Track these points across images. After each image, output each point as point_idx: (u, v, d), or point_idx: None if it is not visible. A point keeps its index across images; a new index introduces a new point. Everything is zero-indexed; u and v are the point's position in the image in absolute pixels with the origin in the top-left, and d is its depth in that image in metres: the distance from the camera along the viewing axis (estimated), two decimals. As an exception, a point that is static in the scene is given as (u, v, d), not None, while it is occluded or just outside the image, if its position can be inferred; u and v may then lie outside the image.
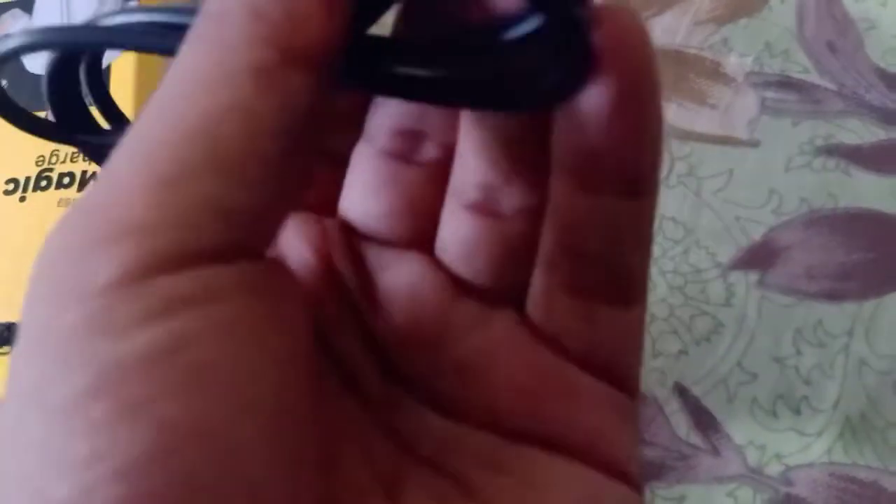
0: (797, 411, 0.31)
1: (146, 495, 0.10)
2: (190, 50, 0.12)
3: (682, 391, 0.32)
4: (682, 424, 0.31)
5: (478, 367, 0.15)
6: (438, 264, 0.16)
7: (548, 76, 0.12)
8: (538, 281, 0.15)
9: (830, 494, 0.30)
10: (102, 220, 0.11)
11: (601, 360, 0.15)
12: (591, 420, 0.15)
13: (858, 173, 0.33)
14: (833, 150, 0.34)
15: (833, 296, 0.32)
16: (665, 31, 0.36)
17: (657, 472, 0.31)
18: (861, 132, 0.34)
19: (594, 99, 0.12)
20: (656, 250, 0.33)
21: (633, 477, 0.15)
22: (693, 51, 0.36)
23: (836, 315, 0.32)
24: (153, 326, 0.11)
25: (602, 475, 0.14)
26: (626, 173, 0.14)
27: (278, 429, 0.11)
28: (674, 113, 0.35)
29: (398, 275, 0.15)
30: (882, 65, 0.35)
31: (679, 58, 0.36)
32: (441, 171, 0.15)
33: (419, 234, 0.16)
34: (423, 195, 0.15)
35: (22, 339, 0.11)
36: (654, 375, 0.32)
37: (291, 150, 0.12)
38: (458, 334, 0.15)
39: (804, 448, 0.31)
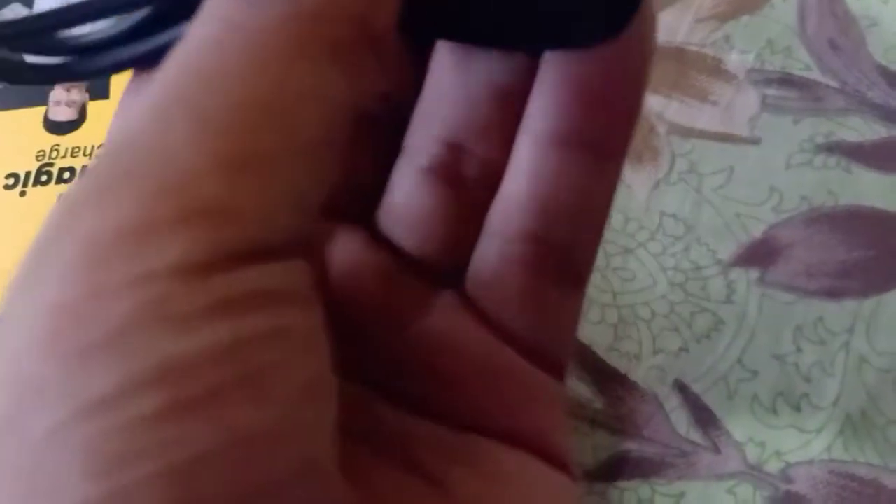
0: (797, 408, 0.31)
1: (194, 499, 0.09)
2: (252, 17, 0.10)
3: (682, 388, 0.32)
4: (682, 421, 0.31)
5: (422, 355, 0.14)
6: (377, 239, 0.14)
7: (608, 12, 0.12)
8: (488, 257, 0.14)
9: (830, 492, 0.30)
10: (164, 196, 0.10)
11: (543, 345, 0.14)
12: (535, 411, 0.14)
13: (859, 171, 0.33)
14: (834, 148, 0.34)
15: (833, 293, 0.32)
16: (666, 28, 0.36)
17: (657, 469, 0.31)
18: (862, 130, 0.34)
19: (611, 46, 0.12)
20: (657, 247, 0.33)
21: (571, 468, 0.15)
22: (694, 48, 0.36)
23: (837, 312, 0.32)
24: (218, 323, 0.10)
25: (548, 466, 0.14)
26: (605, 130, 0.13)
27: (330, 437, 0.11)
28: (675, 110, 0.35)
29: (338, 252, 0.14)
30: (884, 62, 0.35)
31: (680, 55, 0.36)
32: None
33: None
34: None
35: (16, 315, 0.10)
36: (654, 372, 0.32)
37: (357, 138, 0.11)
38: (399, 320, 0.14)
39: (804, 445, 0.31)
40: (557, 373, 0.15)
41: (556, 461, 0.14)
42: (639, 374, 0.32)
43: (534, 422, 0.14)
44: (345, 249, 0.14)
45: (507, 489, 0.13)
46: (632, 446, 0.31)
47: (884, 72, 0.34)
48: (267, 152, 0.10)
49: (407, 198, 0.14)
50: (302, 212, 0.10)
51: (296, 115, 0.10)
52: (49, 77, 0.16)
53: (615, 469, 0.31)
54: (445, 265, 0.14)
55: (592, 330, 0.33)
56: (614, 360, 0.32)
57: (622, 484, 0.31)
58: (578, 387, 0.32)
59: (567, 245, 0.14)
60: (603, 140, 0.14)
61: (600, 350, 0.32)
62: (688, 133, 0.34)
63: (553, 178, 0.14)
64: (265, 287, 0.10)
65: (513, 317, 0.14)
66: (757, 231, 0.33)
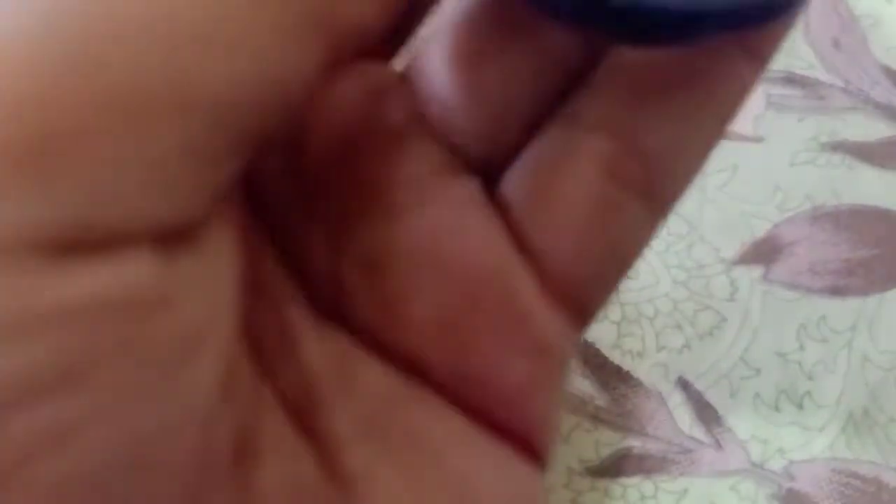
0: (800, 406, 0.31)
1: None
2: None
3: (685, 385, 0.32)
4: (684, 418, 0.32)
5: (407, 259, 0.11)
6: (403, 81, 0.11)
7: None
8: (552, 146, 0.11)
9: (832, 489, 0.30)
10: None
11: (574, 285, 0.11)
12: (519, 373, 0.11)
13: (863, 169, 0.33)
14: (838, 147, 0.34)
15: (837, 291, 0.32)
16: (670, 26, 0.36)
17: (660, 465, 0.31)
18: (866, 128, 0.34)
19: None
20: (660, 245, 0.33)
21: (541, 456, 0.12)
22: (698, 46, 0.36)
23: (840, 311, 0.32)
24: (37, 339, 0.07)
25: (510, 449, 0.11)
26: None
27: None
28: (679, 108, 0.35)
29: (346, 86, 0.11)
30: (887, 61, 0.35)
31: (684, 53, 0.36)
32: None
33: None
34: None
35: None
36: (658, 370, 0.32)
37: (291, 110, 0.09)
38: (397, 194, 0.11)
39: (807, 443, 0.31)
40: (579, 324, 0.12)
41: (522, 443, 0.11)
42: (642, 371, 0.32)
43: (510, 389, 0.11)
44: (356, 86, 0.11)
45: (441, 469, 0.11)
46: (635, 443, 0.32)
47: (887, 71, 0.34)
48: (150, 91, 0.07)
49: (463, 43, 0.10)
50: (202, 182, 0.08)
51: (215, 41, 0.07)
52: None
53: (618, 465, 0.31)
54: (482, 152, 0.11)
55: (596, 327, 0.33)
56: (617, 358, 0.32)
57: (625, 480, 0.31)
58: (581, 383, 0.32)
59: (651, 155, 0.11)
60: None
61: (604, 347, 0.33)
62: (692, 131, 0.35)
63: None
64: (111, 288, 0.07)
65: (556, 239, 0.11)
66: (760, 229, 0.33)
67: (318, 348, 0.11)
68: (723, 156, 0.34)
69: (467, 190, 0.11)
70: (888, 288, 0.32)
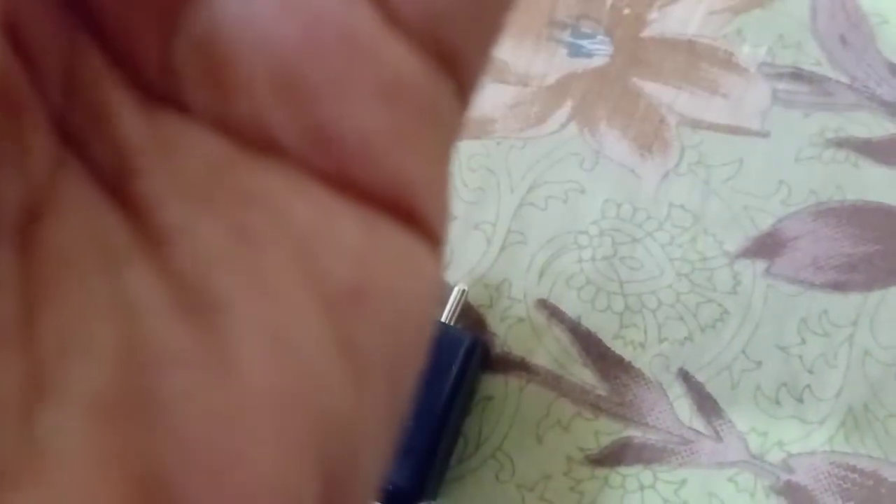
0: (800, 399, 0.31)
1: None
2: None
3: (686, 377, 0.32)
4: (685, 410, 0.32)
5: (235, 23, 0.09)
6: None
7: None
8: None
9: (831, 483, 0.30)
10: None
11: (427, 17, 0.10)
12: (369, 120, 0.10)
13: (867, 166, 0.33)
14: (843, 143, 0.34)
15: (839, 286, 0.32)
16: (678, 20, 0.36)
17: (659, 455, 0.31)
18: (871, 126, 0.34)
19: None
20: (664, 237, 0.34)
21: (423, 222, 0.10)
22: (706, 40, 0.36)
23: (842, 305, 0.32)
24: None
25: (378, 213, 0.10)
26: None
27: None
28: (685, 102, 0.35)
29: None
30: (893, 59, 0.35)
31: (692, 47, 0.36)
32: None
33: None
34: None
35: None
36: (659, 361, 0.32)
37: None
38: None
39: (806, 436, 0.31)
40: (450, 70, 0.10)
41: (394, 205, 0.10)
42: (643, 361, 0.32)
43: (360, 133, 0.10)
44: None
45: (252, 249, 0.09)
46: (635, 433, 0.32)
47: (893, 69, 0.35)
48: None
49: None
50: None
51: None
52: None
53: (618, 455, 0.32)
54: None
55: (598, 317, 0.33)
56: (619, 348, 0.33)
57: (624, 470, 0.31)
58: (583, 373, 0.33)
59: None
60: None
61: (606, 337, 0.33)
62: (698, 125, 0.35)
63: None
64: None
65: None
66: (764, 223, 0.33)
67: (138, 123, 0.10)
68: (728, 150, 0.34)
69: None
70: (890, 284, 0.32)
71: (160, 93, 0.10)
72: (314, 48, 0.09)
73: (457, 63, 0.10)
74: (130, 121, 0.10)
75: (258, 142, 0.10)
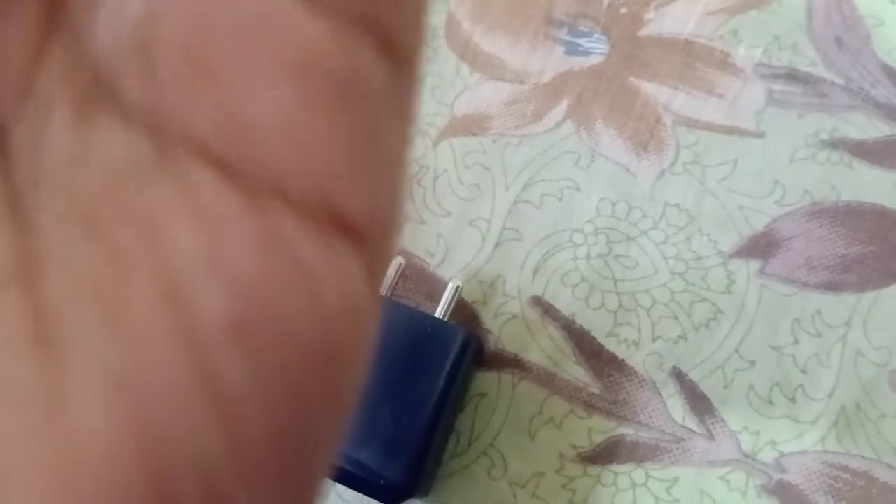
0: (793, 399, 0.31)
1: None
2: None
3: (679, 376, 0.32)
4: (678, 408, 0.32)
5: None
6: None
7: None
8: None
9: (822, 482, 0.30)
10: None
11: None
12: (277, 101, 0.08)
13: (862, 167, 0.34)
14: (837, 144, 0.34)
15: (832, 287, 0.32)
16: (675, 20, 0.36)
17: (652, 453, 0.31)
18: (866, 127, 0.34)
19: None
20: (659, 236, 0.34)
21: (351, 220, 0.09)
22: (702, 41, 0.36)
23: (835, 306, 0.32)
24: None
25: (284, 217, 0.09)
26: None
27: None
28: (681, 101, 0.35)
29: None
30: (888, 61, 0.35)
31: (688, 47, 0.36)
32: None
33: None
34: None
35: None
36: (653, 359, 0.32)
37: None
38: None
39: (798, 436, 0.31)
40: (397, 63, 0.09)
41: (328, 215, 0.09)
42: (637, 360, 0.32)
43: (290, 134, 0.09)
44: None
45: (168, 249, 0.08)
46: (627, 431, 0.32)
47: (888, 71, 0.35)
48: None
49: None
50: None
51: None
52: None
53: (610, 453, 0.32)
54: None
55: (592, 315, 0.33)
56: (613, 346, 0.33)
57: (617, 467, 0.31)
58: (576, 370, 0.32)
59: None
60: None
61: (599, 335, 0.33)
62: (693, 125, 0.35)
63: None
64: None
65: None
66: (759, 223, 0.33)
67: (64, 128, 0.09)
68: (723, 149, 0.34)
69: None
70: (883, 285, 0.32)
71: (104, 83, 0.09)
72: (217, 25, 0.08)
73: (387, 36, 0.09)
74: (63, 122, 0.09)
75: (168, 130, 0.09)
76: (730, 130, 0.35)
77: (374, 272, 0.10)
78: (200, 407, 0.08)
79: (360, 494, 0.29)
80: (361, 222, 0.09)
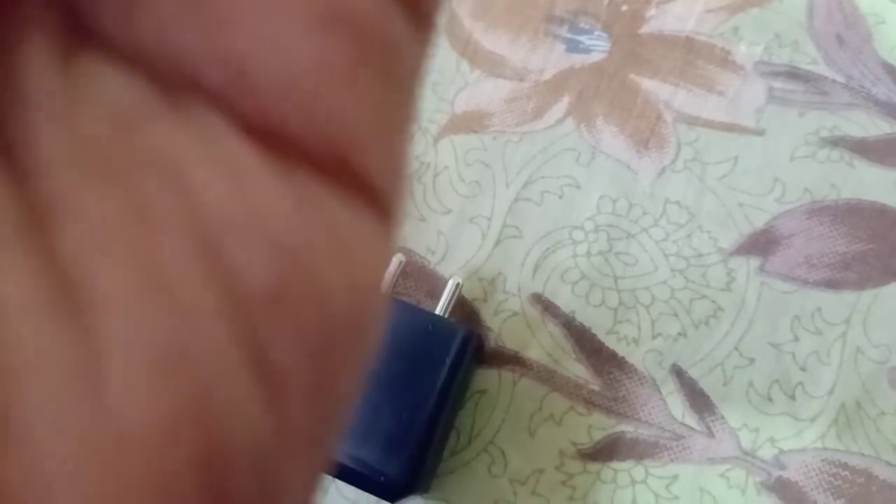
0: (792, 397, 0.31)
1: None
2: None
3: (679, 373, 0.32)
4: (677, 405, 0.32)
5: None
6: None
7: None
8: None
9: (822, 479, 0.31)
10: None
11: None
12: (305, 54, 0.08)
13: (862, 165, 0.34)
14: (838, 142, 0.34)
15: (832, 284, 0.32)
16: (676, 17, 0.36)
17: (651, 451, 0.31)
18: (866, 125, 0.34)
19: None
20: (659, 233, 0.34)
21: (371, 183, 0.08)
22: (703, 38, 0.36)
23: (835, 303, 0.32)
24: None
25: (305, 173, 0.08)
26: None
27: None
28: (682, 98, 0.35)
29: None
30: (889, 59, 0.35)
31: (689, 45, 0.36)
32: None
33: None
34: None
35: None
36: (652, 356, 0.32)
37: None
38: None
39: (798, 433, 0.31)
40: (418, 19, 0.08)
41: (338, 169, 0.08)
42: (637, 357, 0.32)
43: (313, 89, 0.08)
44: None
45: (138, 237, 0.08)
46: (627, 428, 0.32)
47: (889, 69, 0.35)
48: None
49: None
50: None
51: None
52: None
53: (610, 449, 0.32)
54: None
55: (592, 312, 0.33)
56: (613, 343, 0.33)
57: (616, 464, 0.31)
58: (576, 368, 0.33)
59: None
60: None
61: (599, 332, 0.33)
62: (694, 122, 0.35)
63: None
64: None
65: None
66: (759, 221, 0.33)
67: (48, 68, 0.08)
68: (724, 147, 0.34)
69: None
70: (883, 282, 0.32)
71: (84, 22, 0.08)
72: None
73: None
74: (40, 67, 0.08)
75: (173, 77, 0.08)
76: (730, 128, 0.35)
77: (391, 241, 0.09)
78: (248, 381, 0.08)
79: (361, 491, 0.29)
80: (381, 187, 0.08)
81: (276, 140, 0.08)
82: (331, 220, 0.08)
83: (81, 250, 0.07)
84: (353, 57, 0.08)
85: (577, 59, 0.36)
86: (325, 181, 0.08)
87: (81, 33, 0.08)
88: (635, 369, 0.32)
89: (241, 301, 0.08)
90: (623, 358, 0.33)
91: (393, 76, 0.08)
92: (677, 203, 0.34)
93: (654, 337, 0.33)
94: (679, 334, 0.33)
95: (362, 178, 0.08)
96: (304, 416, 0.08)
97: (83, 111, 0.08)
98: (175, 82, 0.08)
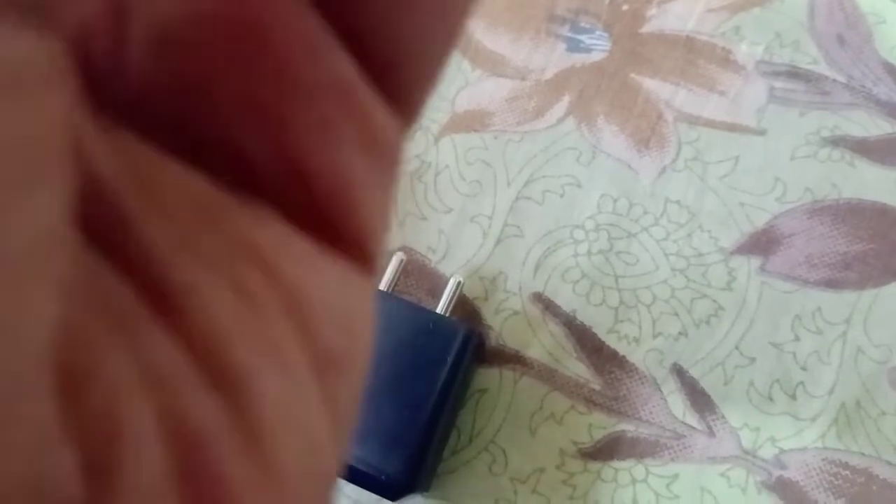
0: (793, 396, 0.31)
1: None
2: None
3: (680, 372, 0.32)
4: (678, 405, 0.32)
5: (206, 28, 0.09)
6: None
7: None
8: None
9: (822, 479, 0.31)
10: None
11: (395, 73, 0.10)
12: (354, 169, 0.10)
13: (863, 165, 0.34)
14: (839, 142, 0.34)
15: (833, 284, 0.32)
16: (677, 17, 0.36)
17: (652, 450, 0.31)
18: (867, 125, 0.34)
19: None
20: (660, 232, 0.34)
21: (372, 264, 0.10)
22: (704, 38, 0.36)
23: (835, 303, 0.32)
24: None
25: (341, 258, 0.10)
26: None
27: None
28: (683, 98, 0.35)
29: None
30: (890, 59, 0.35)
31: (690, 44, 0.36)
32: None
33: None
34: None
35: None
36: (653, 355, 0.32)
37: None
38: None
39: (798, 432, 0.31)
40: (406, 112, 0.10)
41: (359, 256, 0.10)
42: (638, 356, 0.32)
43: (332, 165, 0.10)
44: None
45: (259, 314, 0.09)
46: (628, 427, 0.32)
47: (890, 69, 0.35)
48: None
49: None
50: None
51: None
52: None
53: (611, 449, 0.32)
54: None
55: (593, 311, 0.33)
56: (614, 342, 0.33)
57: (617, 464, 0.31)
58: (577, 367, 0.33)
59: None
60: None
61: (600, 331, 0.33)
62: (695, 121, 0.35)
63: None
64: None
65: (365, 22, 0.09)
66: (760, 220, 0.33)
67: (110, 159, 0.08)
68: (725, 147, 0.34)
69: None
70: (884, 282, 0.32)
71: (118, 107, 0.09)
72: (296, 85, 0.09)
73: (409, 115, 0.11)
74: (101, 155, 0.08)
75: (227, 168, 0.09)
76: (731, 128, 0.35)
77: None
78: (328, 430, 0.09)
79: (362, 489, 0.29)
80: (375, 255, 0.11)
81: (319, 230, 0.10)
82: (363, 297, 0.10)
83: (211, 329, 0.08)
84: (385, 176, 0.10)
85: (578, 59, 0.36)
86: (350, 260, 0.10)
87: (115, 119, 0.09)
88: (636, 368, 0.32)
89: (321, 365, 0.09)
90: (624, 357, 0.33)
91: (397, 175, 0.11)
92: (678, 202, 0.34)
93: (654, 336, 0.33)
94: (680, 333, 0.33)
95: (368, 254, 0.10)
96: (346, 440, 0.10)
97: (158, 193, 0.09)
98: (225, 170, 0.09)
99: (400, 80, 0.10)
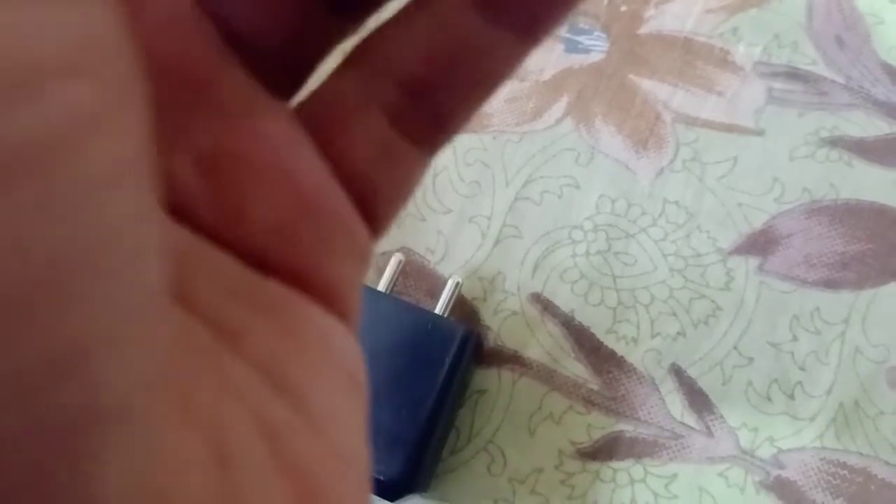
0: (791, 396, 0.32)
1: None
2: None
3: (678, 372, 0.32)
4: (676, 405, 0.32)
5: (247, 162, 0.12)
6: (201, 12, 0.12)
7: None
8: (348, 85, 0.13)
9: (820, 479, 0.31)
10: None
11: (371, 190, 0.13)
12: (345, 274, 0.13)
13: (861, 165, 0.34)
14: (837, 142, 0.34)
15: (831, 284, 0.33)
16: (675, 18, 0.36)
17: (650, 450, 0.32)
18: (865, 125, 0.34)
19: None
20: (658, 233, 0.34)
21: (351, 318, 0.13)
22: (702, 38, 0.36)
23: (834, 303, 0.32)
24: None
25: (333, 316, 0.13)
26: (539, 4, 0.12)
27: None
28: (681, 99, 0.35)
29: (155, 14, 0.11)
30: (888, 60, 0.35)
31: (688, 45, 0.36)
32: None
33: None
34: None
35: None
36: (651, 356, 0.32)
37: None
38: (217, 111, 0.11)
39: (796, 432, 0.31)
40: (378, 227, 0.14)
41: (345, 317, 0.13)
42: (636, 356, 0.33)
43: (335, 274, 0.13)
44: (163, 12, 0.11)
45: (300, 344, 0.12)
46: (626, 427, 0.32)
47: (888, 69, 0.35)
48: None
49: None
50: None
51: None
52: None
53: (609, 449, 0.32)
54: (287, 65, 0.12)
55: (591, 312, 0.33)
56: (612, 343, 0.33)
57: (615, 464, 0.32)
58: (575, 367, 0.33)
59: (438, 101, 0.13)
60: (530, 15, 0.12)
61: (599, 332, 0.33)
62: (693, 122, 0.35)
63: (452, 31, 0.12)
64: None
65: (353, 153, 0.13)
66: (758, 221, 0.33)
67: (167, 240, 0.10)
68: (723, 147, 0.34)
69: (286, 111, 0.13)
70: (882, 282, 0.32)
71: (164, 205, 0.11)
72: (310, 213, 0.12)
73: (380, 229, 0.14)
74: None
75: (256, 267, 0.12)
76: (729, 128, 0.35)
77: None
78: (363, 428, 0.12)
79: (360, 490, 0.29)
80: (356, 336, 0.14)
81: (340, 313, 0.13)
82: (351, 338, 0.13)
83: (267, 355, 0.11)
84: (361, 277, 0.13)
85: (576, 59, 0.36)
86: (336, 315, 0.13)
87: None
88: (634, 368, 0.32)
89: (353, 383, 0.12)
90: (622, 357, 0.33)
91: (367, 269, 0.14)
92: (676, 203, 0.34)
93: (653, 336, 0.33)
94: (678, 334, 0.33)
95: (352, 332, 0.13)
96: None
97: (210, 271, 0.11)
98: (254, 263, 0.12)
99: (378, 211, 0.13)
